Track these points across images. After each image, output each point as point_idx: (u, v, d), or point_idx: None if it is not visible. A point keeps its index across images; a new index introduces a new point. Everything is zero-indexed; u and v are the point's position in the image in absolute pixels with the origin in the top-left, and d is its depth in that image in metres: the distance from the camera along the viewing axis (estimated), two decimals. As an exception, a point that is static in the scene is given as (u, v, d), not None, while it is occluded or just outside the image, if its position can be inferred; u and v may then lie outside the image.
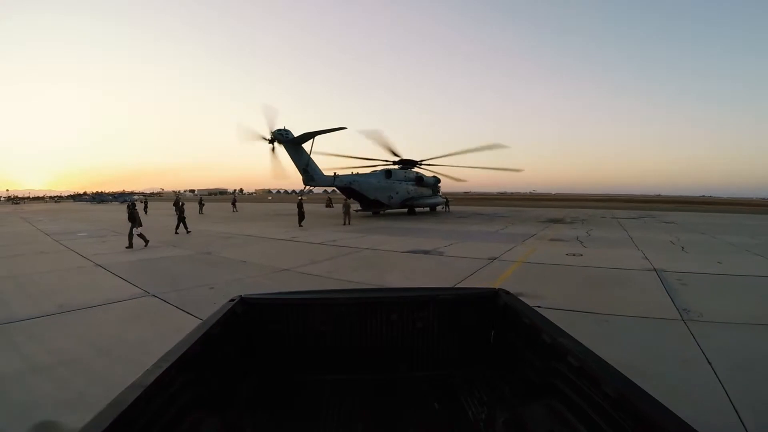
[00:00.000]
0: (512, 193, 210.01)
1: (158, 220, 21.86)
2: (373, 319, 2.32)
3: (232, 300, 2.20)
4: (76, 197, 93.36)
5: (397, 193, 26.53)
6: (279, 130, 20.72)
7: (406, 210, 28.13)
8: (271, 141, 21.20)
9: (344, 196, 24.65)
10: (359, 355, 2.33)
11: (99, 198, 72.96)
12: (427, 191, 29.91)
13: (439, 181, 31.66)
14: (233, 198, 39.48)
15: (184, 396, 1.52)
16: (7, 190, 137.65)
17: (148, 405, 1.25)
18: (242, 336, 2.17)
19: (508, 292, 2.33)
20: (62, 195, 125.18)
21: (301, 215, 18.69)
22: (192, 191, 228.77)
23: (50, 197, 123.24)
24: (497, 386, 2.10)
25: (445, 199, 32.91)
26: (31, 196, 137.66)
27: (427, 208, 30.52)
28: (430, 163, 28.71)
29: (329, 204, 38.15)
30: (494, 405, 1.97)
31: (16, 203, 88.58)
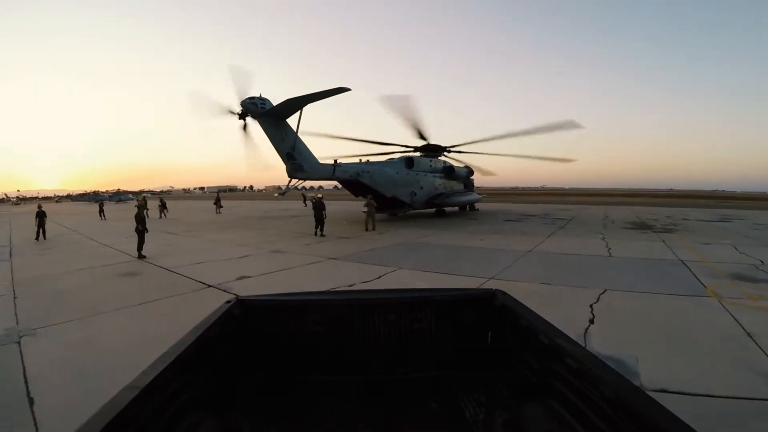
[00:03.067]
0: (524, 188, 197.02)
1: (113, 228, 15.82)
2: (371, 320, 2.24)
3: (229, 302, 2.13)
4: (75, 197, 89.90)
5: (422, 189, 19.72)
6: (252, 98, 14.15)
7: (434, 211, 21.43)
8: (242, 116, 14.69)
9: (350, 193, 18.13)
10: (357, 357, 2.26)
11: (95, 197, 68.43)
12: (458, 185, 23.11)
13: (472, 172, 24.78)
14: (216, 196, 32.57)
15: (182, 397, 1.50)
16: (18, 191, 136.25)
17: (145, 406, 1.23)
18: (239, 337, 2.11)
19: (505, 293, 2.23)
20: (71, 194, 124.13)
21: (319, 219, 14.01)
22: (202, 189, 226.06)
23: (58, 197, 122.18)
24: (495, 387, 2.06)
25: (481, 197, 26.01)
26: (40, 196, 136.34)
27: (456, 208, 23.73)
28: (461, 150, 21.78)
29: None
30: (492, 406, 1.94)
31: (17, 204, 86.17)
